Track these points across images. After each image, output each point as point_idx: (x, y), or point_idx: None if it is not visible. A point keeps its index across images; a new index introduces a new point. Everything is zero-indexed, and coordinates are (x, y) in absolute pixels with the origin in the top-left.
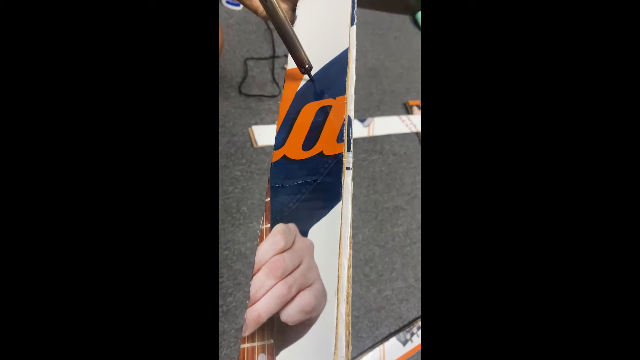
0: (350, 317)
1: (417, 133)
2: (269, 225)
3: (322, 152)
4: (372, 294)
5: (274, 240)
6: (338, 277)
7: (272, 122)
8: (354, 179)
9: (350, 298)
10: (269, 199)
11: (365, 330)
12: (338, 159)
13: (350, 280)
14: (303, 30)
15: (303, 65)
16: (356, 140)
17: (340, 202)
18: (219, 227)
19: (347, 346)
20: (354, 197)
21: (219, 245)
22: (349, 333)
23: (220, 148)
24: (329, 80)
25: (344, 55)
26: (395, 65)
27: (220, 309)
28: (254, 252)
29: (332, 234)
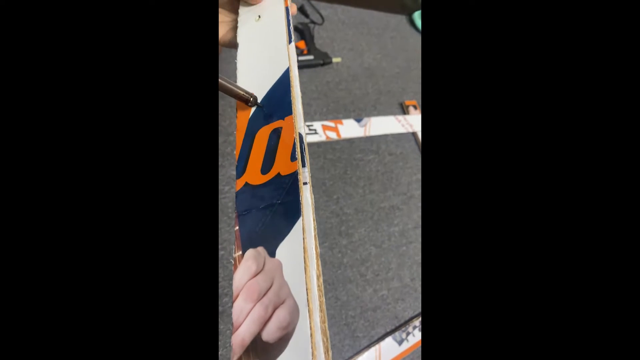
0: (326, 324)
1: (413, 133)
2: (240, 252)
3: (279, 173)
4: (368, 294)
5: (247, 266)
6: (307, 289)
7: None
8: (350, 178)
9: (324, 306)
10: (237, 227)
11: (362, 330)
12: (294, 177)
13: (322, 289)
14: (245, 58)
15: (247, 101)
16: (352, 140)
17: (301, 218)
18: None
19: (327, 352)
20: (350, 196)
21: None
22: (327, 339)
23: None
24: (276, 102)
25: (286, 74)
26: (391, 66)
27: None
28: None
29: (297, 249)
